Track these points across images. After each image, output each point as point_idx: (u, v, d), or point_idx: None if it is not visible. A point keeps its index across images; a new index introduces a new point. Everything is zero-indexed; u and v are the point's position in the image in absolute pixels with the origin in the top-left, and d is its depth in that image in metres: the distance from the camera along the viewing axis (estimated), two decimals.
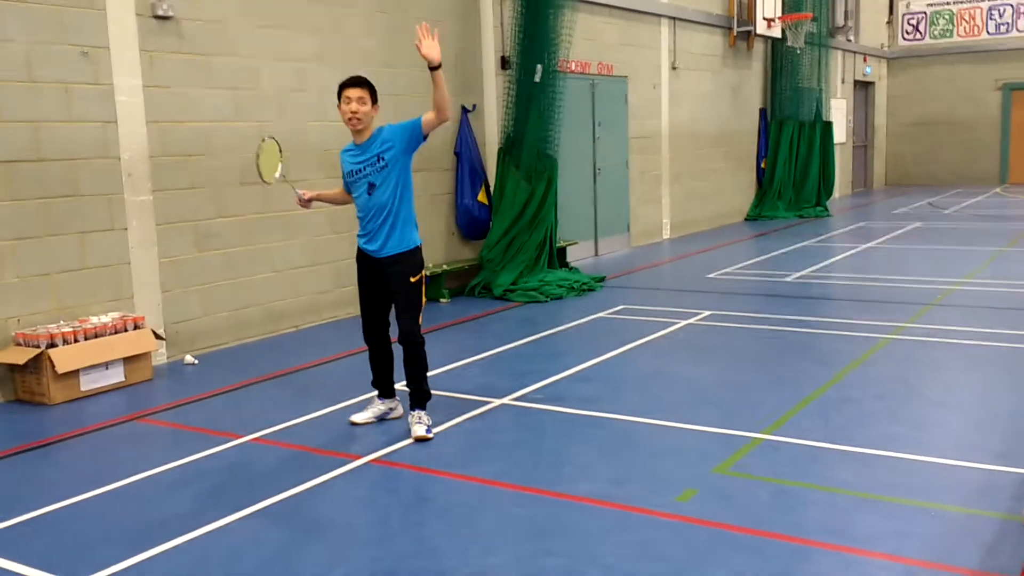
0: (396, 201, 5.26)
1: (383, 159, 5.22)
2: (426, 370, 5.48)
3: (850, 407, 5.77)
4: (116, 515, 4.43)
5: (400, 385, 5.71)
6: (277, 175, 5.59)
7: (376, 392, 5.74)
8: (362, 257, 5.46)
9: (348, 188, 5.46)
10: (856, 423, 5.44)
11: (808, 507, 4.26)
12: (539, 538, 4.03)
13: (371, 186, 5.25)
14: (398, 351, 5.50)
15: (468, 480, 4.73)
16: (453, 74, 10.24)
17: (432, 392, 5.60)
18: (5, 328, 6.39)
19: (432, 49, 5.00)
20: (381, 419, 5.69)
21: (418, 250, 5.41)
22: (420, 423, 5.37)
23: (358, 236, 5.45)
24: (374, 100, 5.26)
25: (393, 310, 5.46)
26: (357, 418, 5.66)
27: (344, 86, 5.24)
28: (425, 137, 5.29)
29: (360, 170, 5.27)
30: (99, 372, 6.52)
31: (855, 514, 4.17)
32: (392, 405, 5.74)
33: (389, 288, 5.40)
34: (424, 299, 5.44)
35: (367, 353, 5.68)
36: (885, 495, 4.35)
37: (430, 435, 5.31)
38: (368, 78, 5.32)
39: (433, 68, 5.03)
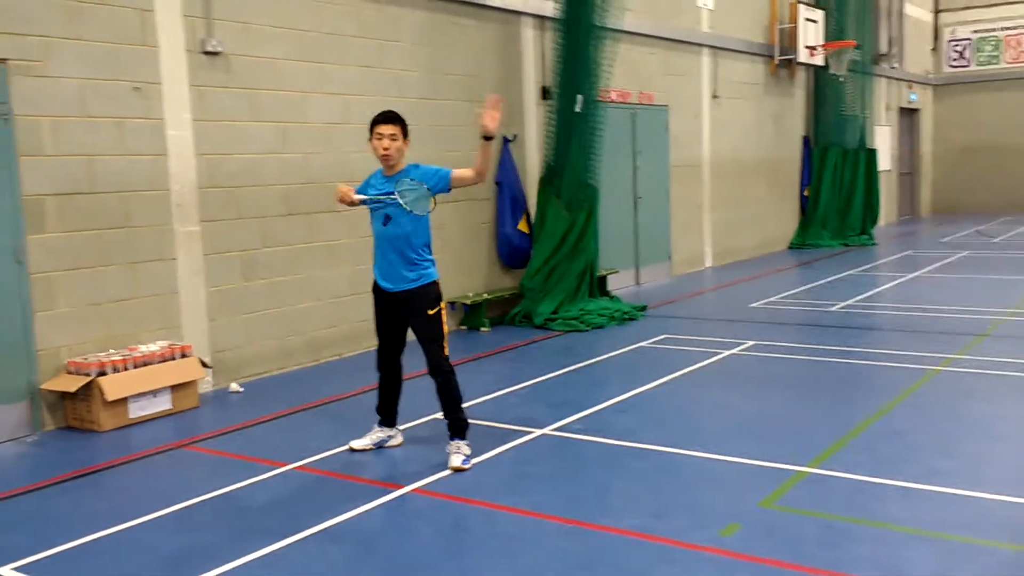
0: (409, 236, 5.32)
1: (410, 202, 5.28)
2: (460, 399, 5.50)
3: (899, 440, 5.67)
4: (160, 542, 4.48)
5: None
6: None
7: (378, 419, 5.80)
8: (377, 290, 5.51)
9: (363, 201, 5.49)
10: (905, 456, 5.34)
11: (856, 543, 4.19)
12: (580, 571, 4.01)
13: (387, 218, 5.32)
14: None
15: (508, 511, 4.72)
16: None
17: (470, 421, 5.60)
18: (57, 356, 6.53)
19: (493, 121, 5.10)
20: (379, 446, 5.75)
21: (434, 285, 5.43)
22: (458, 453, 5.38)
23: (373, 267, 5.52)
24: (405, 135, 5.36)
25: (419, 344, 5.49)
26: (356, 444, 5.74)
27: (376, 122, 5.35)
28: (450, 190, 5.36)
29: (380, 201, 5.34)
30: (147, 400, 6.63)
31: (904, 550, 4.09)
32: (391, 433, 5.81)
33: (408, 322, 5.48)
34: (446, 328, 5.47)
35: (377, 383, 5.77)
36: (935, 531, 4.26)
37: (467, 466, 5.32)
38: (399, 113, 5.42)
39: (487, 138, 5.13)
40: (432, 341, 5.40)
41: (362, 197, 5.39)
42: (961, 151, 24.85)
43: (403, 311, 5.44)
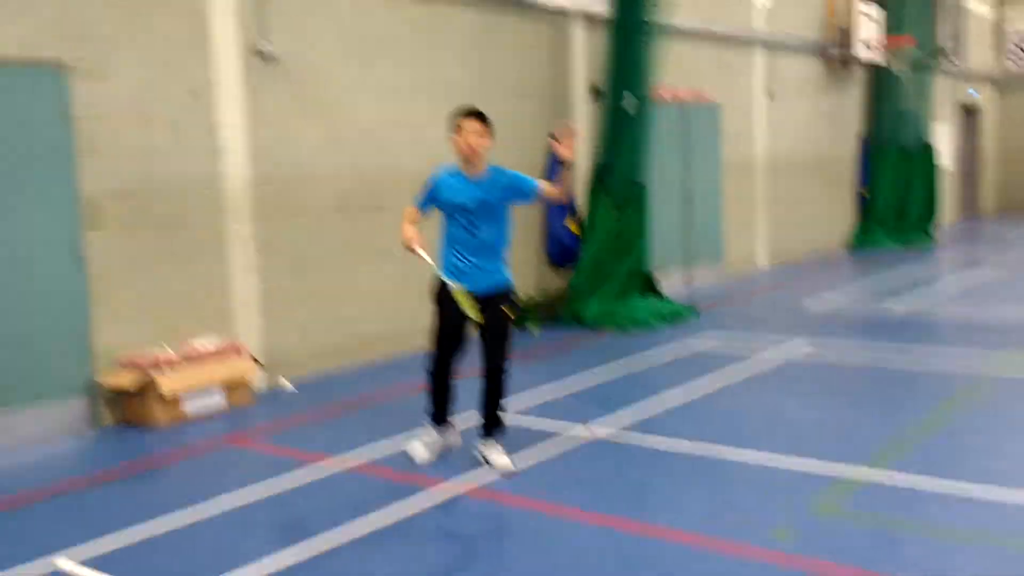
0: (496, 242, 5.24)
1: (490, 202, 5.18)
2: (504, 400, 5.45)
3: (957, 444, 5.53)
4: (210, 538, 4.56)
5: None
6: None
7: (434, 427, 5.59)
8: (446, 291, 5.21)
9: (425, 208, 5.35)
10: (963, 461, 5.21)
11: (910, 548, 4.09)
12: (625, 572, 3.98)
13: (472, 224, 5.15)
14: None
15: (558, 511, 4.70)
16: (542, 102, 10.32)
17: (514, 423, 5.63)
18: (114, 353, 6.67)
19: (568, 151, 5.05)
20: (441, 451, 5.60)
21: (512, 287, 5.37)
22: (503, 454, 5.36)
23: (444, 271, 5.22)
24: (491, 134, 5.21)
25: (481, 344, 5.35)
26: (421, 458, 5.51)
27: (464, 116, 5.16)
28: (533, 202, 5.38)
29: (466, 205, 5.15)
30: (201, 396, 6.75)
31: (960, 557, 3.99)
32: (450, 430, 5.66)
33: (488, 321, 5.23)
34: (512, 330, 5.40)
35: (428, 386, 5.55)
36: (993, 538, 4.15)
37: (514, 466, 5.31)
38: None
39: (563, 165, 5.13)
40: (502, 342, 5.30)
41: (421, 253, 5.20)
42: (1023, 149, 24.17)
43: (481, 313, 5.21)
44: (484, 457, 5.38)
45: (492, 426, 5.43)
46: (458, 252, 5.23)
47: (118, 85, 6.63)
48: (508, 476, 5.21)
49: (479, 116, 5.16)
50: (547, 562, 4.10)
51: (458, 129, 5.15)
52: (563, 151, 5.04)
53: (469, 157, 5.14)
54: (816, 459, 5.28)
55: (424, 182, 5.43)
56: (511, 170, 5.29)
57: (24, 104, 6.16)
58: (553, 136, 10.36)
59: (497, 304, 5.26)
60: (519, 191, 5.22)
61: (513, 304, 5.37)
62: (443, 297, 5.26)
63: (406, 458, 5.61)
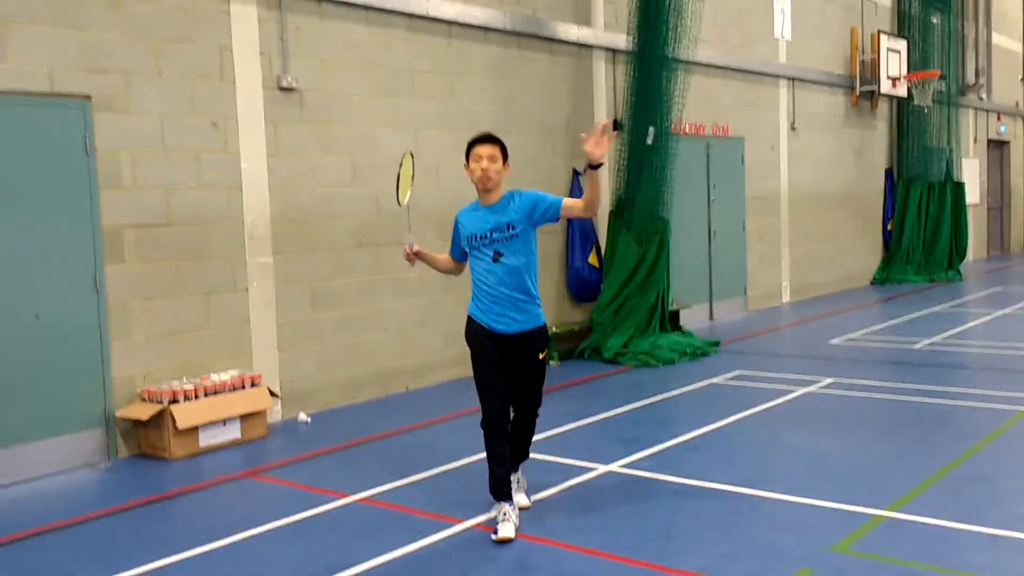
0: (523, 272, 4.83)
1: (514, 227, 4.79)
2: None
3: (984, 484, 5.37)
4: (224, 570, 4.49)
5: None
6: (406, 201, 5.04)
7: (505, 496, 4.92)
8: (487, 336, 4.87)
9: (458, 254, 5.08)
10: (990, 502, 5.06)
11: None
12: None
13: (497, 254, 4.80)
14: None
15: (573, 550, 4.60)
16: (565, 136, 10.32)
17: (534, 456, 5.52)
18: (131, 384, 6.67)
19: (599, 148, 4.50)
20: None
21: (545, 328, 5.02)
22: (523, 492, 5.25)
23: (477, 311, 4.92)
24: (505, 158, 4.86)
25: (515, 388, 5.00)
26: (507, 534, 4.77)
27: (474, 143, 4.88)
28: (558, 220, 4.88)
29: (486, 235, 4.83)
30: (217, 428, 6.71)
31: None
32: (516, 493, 5.19)
33: (525, 366, 4.93)
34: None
35: (488, 452, 4.89)
36: None
37: (530, 502, 5.23)
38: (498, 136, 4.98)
39: (594, 166, 4.58)
40: (535, 388, 5.02)
41: (418, 249, 5.01)
42: None
43: (519, 353, 4.89)
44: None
45: (519, 461, 5.29)
46: (485, 290, 4.87)
47: (140, 118, 6.68)
48: (523, 510, 5.12)
49: (490, 140, 4.86)
50: None
51: (470, 159, 4.88)
52: (590, 147, 4.51)
53: (483, 183, 4.82)
54: (840, 498, 5.14)
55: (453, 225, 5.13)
56: (531, 190, 4.96)
57: (47, 136, 6.22)
58: (576, 170, 10.39)
59: (532, 346, 4.92)
60: (540, 209, 4.80)
61: (546, 348, 5.03)
62: (482, 336, 4.89)
63: (418, 494, 5.53)
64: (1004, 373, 8.49)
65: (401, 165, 5.10)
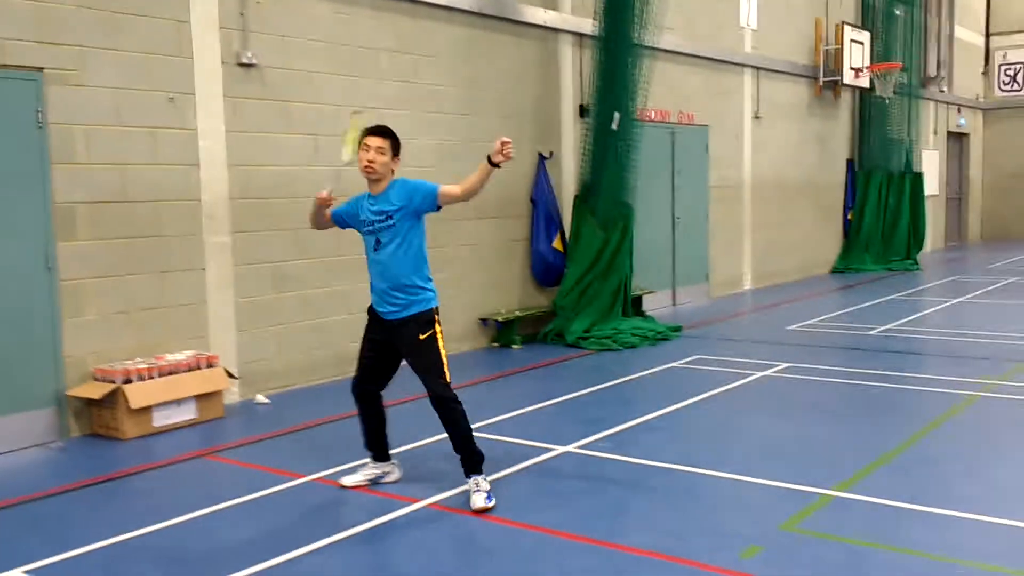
0: (399, 263, 4.97)
1: (391, 217, 4.96)
2: (470, 430, 5.05)
3: (930, 466, 5.48)
4: (175, 549, 4.46)
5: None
6: (346, 158, 5.11)
7: (370, 455, 5.36)
8: (371, 314, 5.20)
9: (335, 215, 5.26)
10: (936, 483, 5.16)
11: (879, 569, 4.02)
12: None
13: (377, 242, 5.01)
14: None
15: (527, 528, 4.62)
16: (532, 121, 10.31)
17: (493, 438, 5.50)
18: (84, 364, 6.58)
19: (502, 157, 4.77)
20: (375, 482, 5.32)
21: (427, 312, 5.02)
22: (478, 491, 4.92)
23: (371, 290, 5.18)
24: (395, 152, 5.03)
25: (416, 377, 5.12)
26: (347, 481, 5.30)
27: (367, 133, 5.02)
28: (439, 208, 5.02)
29: (371, 223, 5.03)
30: (171, 409, 6.65)
31: None
32: (387, 469, 5.37)
33: (407, 348, 5.07)
34: (444, 354, 5.03)
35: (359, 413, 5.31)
36: (962, 559, 4.09)
37: (491, 503, 4.88)
38: (393, 129, 5.11)
39: (493, 165, 4.82)
40: (427, 371, 4.99)
41: (331, 198, 5.10)
42: (1011, 177, 24.30)
43: (394, 338, 5.07)
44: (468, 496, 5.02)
45: (465, 463, 5.06)
46: (373, 273, 5.10)
47: (94, 92, 6.56)
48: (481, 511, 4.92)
49: (382, 132, 5.01)
50: None
51: (360, 146, 5.00)
52: (496, 156, 4.77)
53: (366, 173, 4.99)
54: (791, 478, 5.21)
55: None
56: (415, 180, 5.10)
57: None
58: (542, 155, 10.39)
59: (409, 330, 5.00)
60: (418, 197, 4.96)
61: (428, 329, 5.00)
62: (369, 311, 5.20)
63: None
64: (955, 359, 8.64)
65: (347, 130, 5.16)
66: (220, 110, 7.33)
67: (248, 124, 7.55)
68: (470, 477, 5.03)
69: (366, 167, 4.97)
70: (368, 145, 4.97)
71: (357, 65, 8.39)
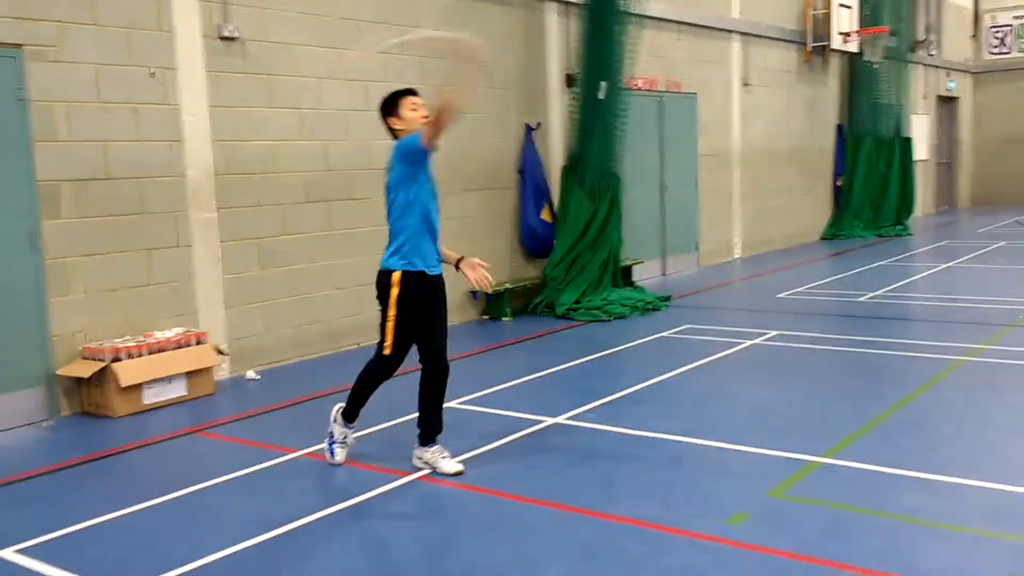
0: (392, 222, 4.93)
1: (389, 171, 4.93)
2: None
3: (916, 431, 5.52)
4: (167, 526, 4.48)
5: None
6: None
7: (344, 421, 5.32)
8: (419, 283, 4.95)
9: None
10: (922, 448, 5.20)
11: (866, 535, 4.06)
12: (583, 559, 3.93)
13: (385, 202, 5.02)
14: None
15: (515, 499, 4.64)
16: (518, 92, 10.25)
17: (479, 410, 5.52)
18: (72, 342, 6.56)
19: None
20: (345, 443, 5.34)
21: (385, 274, 4.91)
22: (446, 457, 5.06)
23: (413, 257, 4.95)
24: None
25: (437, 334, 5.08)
26: (338, 457, 5.27)
27: (407, 93, 4.96)
28: (426, 148, 4.73)
29: (433, 181, 5.03)
30: (162, 386, 6.65)
31: (917, 543, 3.96)
32: (352, 429, 5.38)
33: (440, 312, 5.06)
34: (390, 326, 4.90)
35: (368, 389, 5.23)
36: (949, 523, 4.13)
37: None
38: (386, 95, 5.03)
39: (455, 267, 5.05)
40: (445, 331, 5.07)
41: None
42: (1001, 141, 24.29)
43: (439, 298, 5.03)
44: (431, 466, 5.07)
45: (435, 428, 5.09)
46: (429, 235, 5.00)
47: (75, 68, 6.50)
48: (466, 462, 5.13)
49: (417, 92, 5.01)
50: (504, 549, 4.05)
51: (408, 106, 4.93)
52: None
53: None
54: (778, 446, 5.25)
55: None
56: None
57: None
58: (529, 126, 10.33)
59: (444, 287, 5.07)
60: (398, 151, 4.82)
61: (381, 290, 4.93)
62: (422, 281, 4.92)
63: (364, 448, 5.53)
64: (943, 324, 8.69)
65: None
66: (203, 84, 7.26)
67: (231, 98, 7.49)
68: (433, 444, 5.08)
69: (425, 120, 4.82)
70: (417, 104, 4.94)
71: (340, 37, 8.31)
